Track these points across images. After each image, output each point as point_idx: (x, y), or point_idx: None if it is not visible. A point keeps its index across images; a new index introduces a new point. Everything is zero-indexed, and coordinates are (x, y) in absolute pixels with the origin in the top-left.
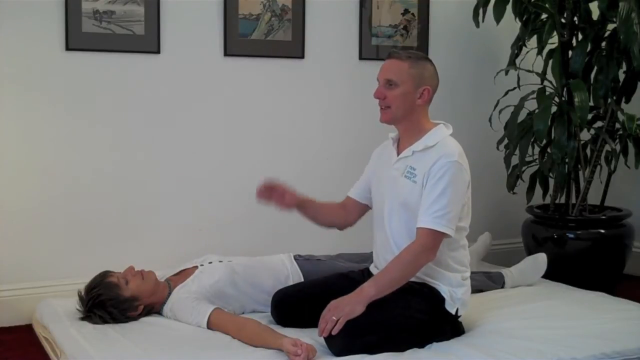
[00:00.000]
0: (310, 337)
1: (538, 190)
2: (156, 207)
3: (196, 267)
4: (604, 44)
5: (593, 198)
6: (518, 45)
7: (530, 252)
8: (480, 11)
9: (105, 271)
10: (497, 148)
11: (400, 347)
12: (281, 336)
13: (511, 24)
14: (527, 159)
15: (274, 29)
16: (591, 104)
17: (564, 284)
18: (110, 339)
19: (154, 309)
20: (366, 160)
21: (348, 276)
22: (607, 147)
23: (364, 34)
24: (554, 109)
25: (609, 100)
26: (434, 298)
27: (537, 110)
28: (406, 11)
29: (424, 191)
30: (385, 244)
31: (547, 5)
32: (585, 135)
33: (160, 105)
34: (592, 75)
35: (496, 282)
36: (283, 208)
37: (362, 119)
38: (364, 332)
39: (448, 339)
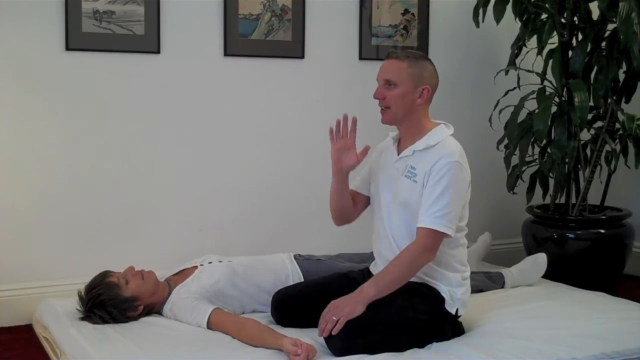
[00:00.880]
0: (310, 337)
1: (538, 190)
2: (156, 207)
3: (196, 267)
4: (604, 44)
5: (593, 198)
6: (518, 45)
7: (530, 252)
8: (480, 11)
9: (105, 271)
10: (497, 148)
11: (400, 347)
12: (281, 336)
13: (511, 24)
14: (527, 159)
15: (274, 29)
16: (591, 104)
17: (564, 284)
18: (110, 339)
19: (154, 309)
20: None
21: (348, 276)
22: (607, 147)
23: (364, 34)
24: (554, 109)
25: (609, 100)
26: (434, 298)
27: (537, 110)
28: (406, 11)
29: (424, 191)
30: (385, 244)
31: (547, 5)
32: (585, 135)
33: (160, 105)
34: (592, 75)
35: (496, 282)
36: (345, 165)
37: (362, 119)
38: (364, 332)
39: (448, 339)
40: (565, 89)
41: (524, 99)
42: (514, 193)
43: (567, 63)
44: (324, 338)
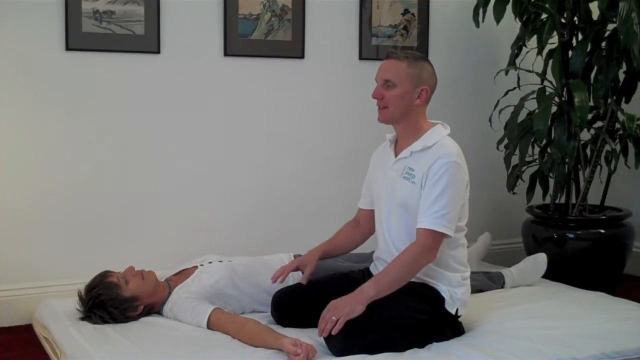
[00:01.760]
0: (310, 337)
1: (538, 190)
2: (156, 207)
3: (196, 267)
4: (604, 44)
5: (593, 198)
6: (518, 45)
7: (530, 252)
8: (480, 11)
9: (105, 271)
10: (497, 148)
11: (400, 347)
12: (281, 336)
13: (511, 24)
14: (527, 159)
15: (274, 29)
16: (591, 104)
17: (564, 284)
18: (110, 339)
19: (154, 309)
20: (365, 159)
21: (348, 276)
22: (607, 147)
23: (364, 34)
24: (554, 109)
25: (609, 100)
26: (434, 298)
27: (537, 110)
28: (406, 11)
29: (422, 192)
30: (383, 246)
31: (547, 5)
32: (585, 135)
33: (160, 105)
34: (592, 75)
35: (496, 282)
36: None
37: (361, 119)
38: (364, 332)
39: (448, 339)
40: (565, 89)
41: (524, 99)
42: (514, 193)
43: (567, 63)
44: (324, 338)
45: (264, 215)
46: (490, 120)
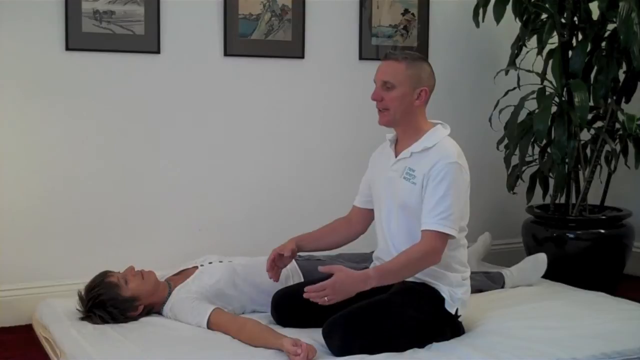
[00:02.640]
0: (310, 337)
1: (538, 190)
2: (156, 207)
3: (196, 267)
4: (604, 44)
5: (593, 198)
6: (518, 45)
7: (530, 252)
8: (480, 11)
9: (105, 271)
10: (497, 148)
11: (400, 347)
12: (281, 336)
13: (511, 24)
14: (527, 159)
15: (274, 29)
16: (591, 104)
17: (564, 284)
18: (110, 339)
19: (154, 309)
20: (365, 159)
21: None
22: (607, 147)
23: (364, 34)
24: (554, 109)
25: (609, 100)
26: (434, 298)
27: (537, 110)
28: (406, 11)
29: (424, 193)
30: (384, 245)
31: (547, 5)
32: (585, 135)
33: (160, 105)
34: (592, 75)
35: (496, 282)
36: (285, 266)
37: (361, 119)
38: (364, 332)
39: (448, 339)
40: (565, 89)
41: (524, 99)
42: (514, 193)
43: (567, 63)
44: (324, 338)
45: (264, 215)
46: (490, 120)
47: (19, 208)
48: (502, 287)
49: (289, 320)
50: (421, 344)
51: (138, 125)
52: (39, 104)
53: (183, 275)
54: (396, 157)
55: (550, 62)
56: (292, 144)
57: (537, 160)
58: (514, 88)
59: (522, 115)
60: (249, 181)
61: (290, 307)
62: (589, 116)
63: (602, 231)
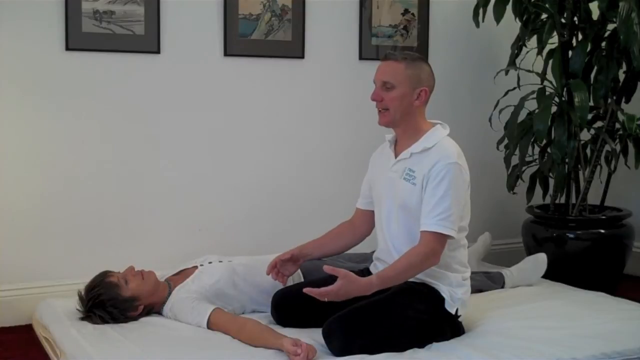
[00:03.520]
0: (310, 337)
1: (538, 190)
2: (156, 207)
3: (196, 267)
4: (604, 44)
5: (593, 198)
6: (518, 45)
7: (530, 252)
8: (480, 11)
9: (105, 271)
10: (497, 148)
11: (400, 347)
12: (281, 336)
13: (511, 24)
14: (527, 159)
15: (274, 29)
16: (591, 104)
17: (564, 284)
18: (110, 339)
19: (154, 309)
20: (365, 159)
21: None
22: (607, 147)
23: (364, 34)
24: (554, 109)
25: (609, 100)
26: (434, 298)
27: (537, 110)
28: (406, 11)
29: (424, 194)
30: (384, 246)
31: (547, 5)
32: (585, 135)
33: (160, 105)
34: (592, 75)
35: (496, 282)
36: (291, 273)
37: (361, 119)
38: (364, 332)
39: (448, 339)
40: (565, 89)
41: (524, 99)
42: (514, 193)
43: (567, 63)
44: (324, 338)
45: (264, 215)
46: (490, 120)
47: (19, 208)
48: (502, 287)
49: (289, 320)
50: (421, 344)
51: (138, 125)
52: (39, 104)
53: (183, 275)
54: (396, 157)
55: (550, 62)
56: (292, 143)
57: (537, 160)
58: (514, 88)
59: (522, 115)
60: (249, 181)
61: (290, 307)
62: (589, 116)
63: (602, 231)
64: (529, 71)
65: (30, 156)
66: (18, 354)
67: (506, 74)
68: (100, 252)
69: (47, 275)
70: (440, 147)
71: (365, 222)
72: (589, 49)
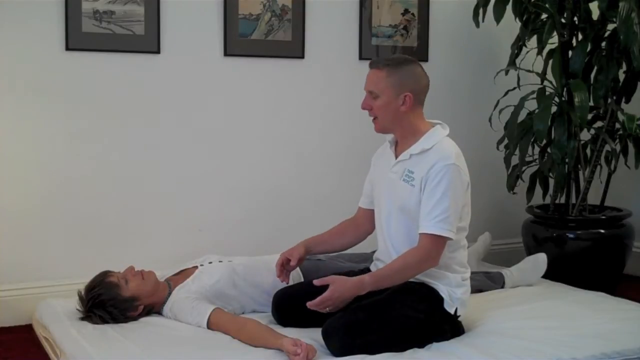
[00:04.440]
0: (310, 337)
1: (538, 190)
2: (156, 207)
3: (196, 267)
4: (604, 44)
5: (593, 198)
6: (518, 45)
7: (530, 252)
8: (480, 11)
9: (105, 271)
10: (497, 148)
11: (400, 347)
12: (281, 336)
13: (511, 24)
14: (527, 159)
15: (274, 29)
16: (591, 104)
17: (564, 284)
18: (110, 339)
19: (154, 309)
20: (365, 159)
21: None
22: (607, 147)
23: (364, 34)
24: (554, 109)
25: (609, 100)
26: (433, 298)
27: (537, 110)
28: (406, 11)
29: (422, 196)
30: (383, 246)
31: (547, 5)
32: (585, 135)
33: (160, 105)
34: (592, 75)
35: (496, 282)
36: (292, 269)
37: (361, 119)
38: (363, 332)
39: (448, 339)
40: (565, 89)
41: (524, 99)
42: (514, 193)
43: (567, 63)
44: (323, 338)
45: (263, 215)
46: (490, 120)
47: (19, 208)
48: (502, 287)
49: (289, 320)
50: (421, 344)
51: (138, 125)
52: (39, 104)
53: (183, 275)
54: (396, 158)
55: (550, 62)
56: (292, 143)
57: (537, 160)
58: (514, 88)
59: (522, 115)
60: (249, 181)
61: (290, 307)
62: (589, 116)
63: (602, 231)
64: (529, 71)
65: (30, 156)
66: (18, 354)
67: (506, 74)
68: (100, 252)
69: (47, 275)
70: (438, 148)
71: (368, 220)
72: (589, 49)
